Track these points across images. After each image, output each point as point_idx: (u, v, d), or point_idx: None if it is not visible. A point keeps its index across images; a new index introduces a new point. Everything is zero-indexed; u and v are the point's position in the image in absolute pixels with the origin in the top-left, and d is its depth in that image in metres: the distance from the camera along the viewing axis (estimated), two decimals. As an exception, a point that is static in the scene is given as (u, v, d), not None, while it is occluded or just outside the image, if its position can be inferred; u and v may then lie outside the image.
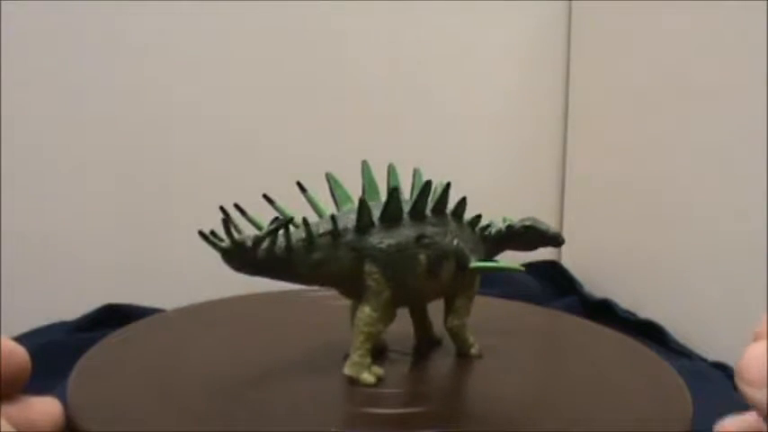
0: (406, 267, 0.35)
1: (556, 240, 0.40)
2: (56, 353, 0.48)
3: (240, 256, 0.34)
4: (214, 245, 0.33)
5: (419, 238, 0.35)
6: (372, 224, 0.35)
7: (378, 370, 0.35)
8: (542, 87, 0.82)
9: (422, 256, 0.35)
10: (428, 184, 0.35)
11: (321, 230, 0.35)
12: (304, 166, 0.43)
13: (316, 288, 0.39)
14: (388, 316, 0.35)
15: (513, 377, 0.37)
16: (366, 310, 0.35)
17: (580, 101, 0.81)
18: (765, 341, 0.25)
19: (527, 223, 0.39)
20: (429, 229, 0.35)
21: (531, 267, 0.64)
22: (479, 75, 0.79)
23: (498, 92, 0.80)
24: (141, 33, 0.67)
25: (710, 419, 0.28)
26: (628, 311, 0.69)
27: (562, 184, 0.84)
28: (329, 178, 0.37)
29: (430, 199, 0.36)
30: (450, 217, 0.37)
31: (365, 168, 0.37)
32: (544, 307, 0.54)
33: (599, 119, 0.79)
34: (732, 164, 0.61)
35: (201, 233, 0.33)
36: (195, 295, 0.47)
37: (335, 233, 0.34)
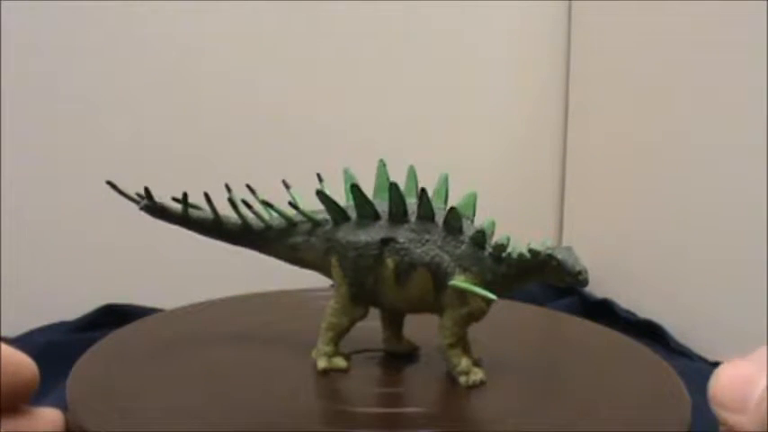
0: (366, 268, 0.34)
1: (575, 278, 0.33)
2: (56, 353, 0.48)
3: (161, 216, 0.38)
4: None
5: (387, 241, 0.34)
6: (348, 219, 0.35)
7: (339, 361, 0.36)
8: (542, 87, 0.82)
9: (389, 261, 0.34)
10: (394, 186, 0.34)
11: (304, 218, 0.36)
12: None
13: (315, 288, 0.39)
14: (348, 311, 0.36)
15: (511, 377, 0.37)
16: (331, 301, 0.36)
17: (580, 101, 0.81)
18: (741, 363, 0.24)
19: (549, 252, 0.33)
20: (405, 235, 0.34)
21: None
22: (479, 75, 0.79)
23: (498, 92, 0.81)
24: (147, 28, 0.68)
25: (710, 419, 0.28)
26: (628, 311, 0.69)
27: (562, 183, 0.84)
28: (345, 173, 0.37)
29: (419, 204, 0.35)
30: (441, 227, 0.34)
31: (380, 167, 0.37)
32: (544, 307, 0.54)
33: (599, 118, 0.79)
34: (732, 163, 0.61)
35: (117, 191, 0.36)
36: (195, 295, 0.47)
37: (315, 222, 0.36)
